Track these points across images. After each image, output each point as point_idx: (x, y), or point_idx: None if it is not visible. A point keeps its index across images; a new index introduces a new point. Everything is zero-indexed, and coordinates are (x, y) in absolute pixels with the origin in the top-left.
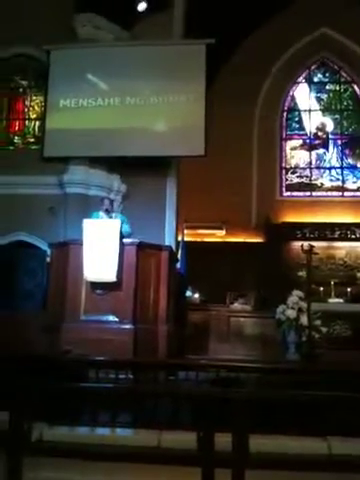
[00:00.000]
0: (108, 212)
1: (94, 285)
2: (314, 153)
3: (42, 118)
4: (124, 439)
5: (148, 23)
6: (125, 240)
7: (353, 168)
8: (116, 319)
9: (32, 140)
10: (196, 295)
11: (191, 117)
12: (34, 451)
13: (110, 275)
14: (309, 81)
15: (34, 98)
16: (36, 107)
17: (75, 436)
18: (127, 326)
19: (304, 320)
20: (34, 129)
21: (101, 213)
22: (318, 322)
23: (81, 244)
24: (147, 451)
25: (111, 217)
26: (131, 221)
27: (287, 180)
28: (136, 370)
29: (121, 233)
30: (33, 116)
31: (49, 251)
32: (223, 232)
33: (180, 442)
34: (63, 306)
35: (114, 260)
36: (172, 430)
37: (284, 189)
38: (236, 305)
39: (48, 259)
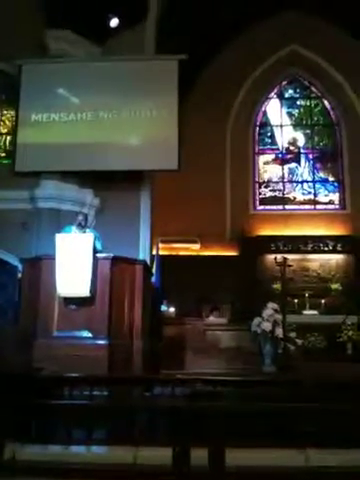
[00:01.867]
0: (81, 227)
1: (67, 300)
2: (286, 167)
3: (13, 132)
4: (99, 456)
5: (120, 39)
6: (99, 254)
7: (324, 182)
8: (90, 335)
9: (3, 154)
10: (171, 309)
11: (164, 131)
12: (7, 470)
13: (83, 290)
14: (280, 96)
15: (5, 112)
16: (7, 121)
17: (49, 454)
18: (101, 342)
19: (279, 332)
20: (5, 143)
21: (74, 227)
22: (293, 334)
23: (53, 259)
24: (123, 468)
25: (85, 232)
26: (105, 235)
27: (260, 194)
28: (111, 386)
29: (94, 247)
30: (4, 130)
31: (21, 266)
32: (198, 246)
33: (156, 458)
34: (35, 322)
35: (87, 274)
36: (148, 446)
37: (257, 203)
38: (212, 318)
39: (20, 274)
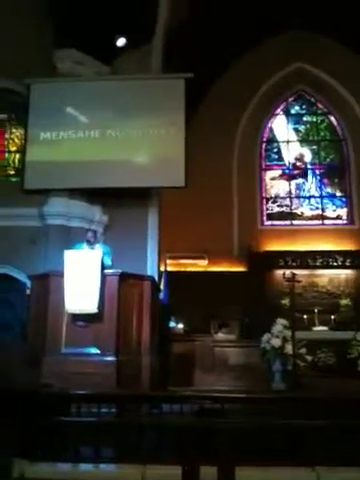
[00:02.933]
0: (90, 243)
1: (75, 317)
2: (293, 183)
3: (22, 151)
4: (107, 475)
5: (127, 58)
6: (107, 271)
7: (332, 197)
8: (98, 351)
9: (12, 172)
10: (180, 325)
11: (171, 149)
12: None
13: (91, 306)
14: (287, 113)
15: (14, 131)
16: (16, 139)
17: (57, 472)
18: (109, 358)
19: (289, 349)
20: (14, 161)
21: (84, 245)
22: (303, 350)
23: (62, 275)
24: None
25: (93, 248)
26: (113, 251)
27: (268, 209)
28: (119, 403)
29: (102, 263)
30: (13, 148)
31: (29, 283)
32: (205, 262)
33: (164, 476)
34: (44, 339)
35: (95, 291)
36: (156, 464)
37: (265, 218)
38: (220, 335)
39: (28, 291)
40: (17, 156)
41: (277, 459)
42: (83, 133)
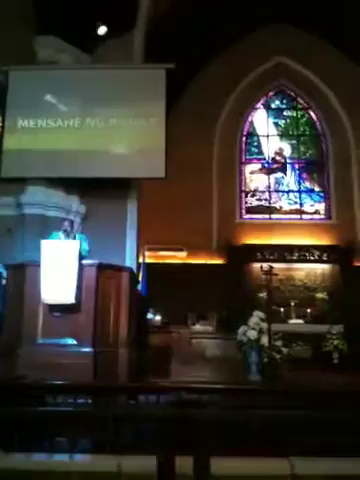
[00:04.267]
0: (67, 233)
1: (52, 307)
2: (272, 177)
3: None
4: (83, 465)
5: (109, 46)
6: (84, 261)
7: (310, 192)
8: (75, 342)
9: None
10: (157, 317)
11: (151, 139)
12: None
13: (68, 297)
14: (267, 107)
15: None
16: None
17: (32, 463)
18: (86, 349)
19: (265, 341)
20: None
21: (60, 234)
22: (279, 343)
23: (39, 265)
24: (107, 476)
25: (70, 238)
26: (91, 242)
27: (247, 203)
28: (95, 394)
29: (80, 254)
30: None
31: (5, 273)
32: (184, 254)
33: (140, 467)
34: (19, 329)
35: (73, 281)
36: (132, 455)
37: (244, 212)
38: (198, 326)
39: (4, 281)
40: None
41: (252, 449)
42: (62, 122)
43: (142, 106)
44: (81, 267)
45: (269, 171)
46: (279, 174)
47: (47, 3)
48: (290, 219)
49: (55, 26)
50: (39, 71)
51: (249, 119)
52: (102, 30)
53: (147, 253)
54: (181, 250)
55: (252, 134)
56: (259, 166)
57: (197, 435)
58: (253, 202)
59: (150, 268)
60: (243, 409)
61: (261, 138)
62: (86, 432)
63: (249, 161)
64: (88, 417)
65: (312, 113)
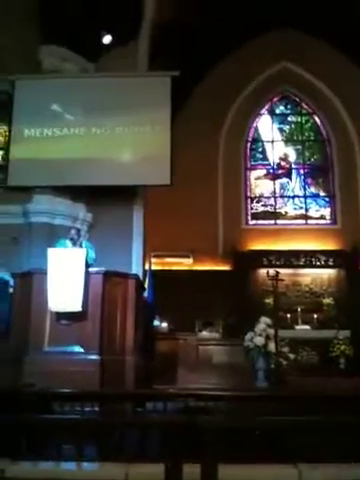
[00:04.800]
0: (74, 241)
1: (59, 315)
2: (278, 182)
3: (6, 147)
4: (90, 473)
5: (114, 55)
6: (91, 269)
7: (315, 197)
8: (82, 350)
9: None
10: (164, 324)
11: (157, 147)
12: None
13: (75, 305)
14: (271, 113)
15: None
16: (0, 136)
17: (39, 471)
18: (93, 357)
19: (272, 347)
20: None
21: (67, 242)
22: (286, 349)
23: (45, 274)
24: None
25: (77, 246)
26: (97, 249)
27: (252, 209)
28: (102, 402)
29: (87, 262)
30: None
31: (12, 281)
32: (190, 261)
33: (148, 474)
34: (26, 337)
35: (79, 289)
36: (140, 462)
37: (249, 217)
38: (204, 333)
39: (11, 289)
40: (1, 153)
41: (260, 456)
42: (68, 130)
43: (147, 114)
44: (88, 275)
45: (274, 177)
46: (284, 179)
47: (52, 13)
48: (296, 224)
49: (60, 35)
50: (45, 80)
51: (254, 125)
52: (107, 39)
53: (153, 260)
54: (187, 257)
55: (257, 140)
56: (264, 172)
57: (204, 442)
58: (259, 208)
59: (156, 275)
60: (250, 416)
61: (266, 144)
62: (93, 440)
63: (254, 167)
64: (95, 425)
65: (317, 118)
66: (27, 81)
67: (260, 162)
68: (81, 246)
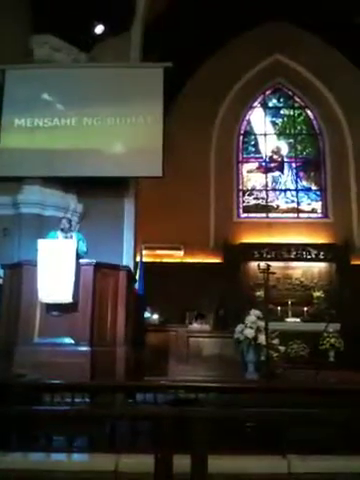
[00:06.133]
0: (65, 232)
1: (49, 307)
2: (270, 176)
3: None
4: (81, 464)
5: (106, 45)
6: (82, 260)
7: (307, 190)
8: (72, 341)
9: None
10: (155, 316)
11: (149, 138)
12: None
13: (66, 296)
14: (264, 106)
15: None
16: None
17: (29, 462)
18: (84, 348)
19: (262, 339)
20: None
21: (58, 233)
22: (276, 341)
23: (35, 265)
24: (104, 476)
25: (68, 237)
26: (88, 241)
27: (244, 202)
28: (93, 393)
29: (77, 253)
30: None
31: (2, 272)
32: (181, 253)
33: (138, 465)
34: (16, 328)
35: (70, 281)
36: (130, 453)
37: (241, 211)
38: (195, 325)
39: (1, 281)
40: None
41: (250, 448)
42: (59, 121)
43: (139, 105)
44: (78, 266)
45: (266, 170)
46: (276, 173)
47: (44, 2)
48: (287, 218)
49: (52, 25)
50: (36, 70)
51: (246, 118)
52: (99, 29)
53: (144, 252)
54: (179, 249)
55: (249, 133)
56: (256, 165)
57: (194, 434)
58: (250, 201)
59: (147, 267)
60: (240, 407)
61: (258, 137)
62: (83, 431)
63: (246, 160)
64: (85, 416)
65: (309, 112)
66: (18, 71)
67: (252, 155)
68: (72, 237)
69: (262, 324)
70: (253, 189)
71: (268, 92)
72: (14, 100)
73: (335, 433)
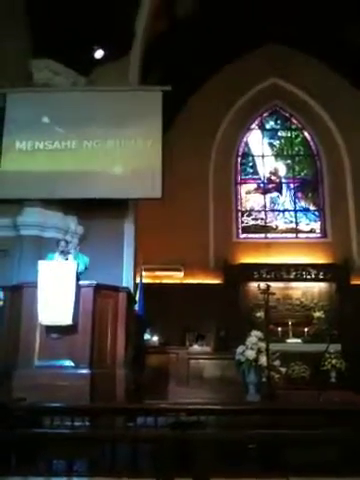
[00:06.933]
0: (64, 254)
1: (49, 329)
2: (268, 196)
3: None
4: None
5: (105, 69)
6: (81, 282)
7: (306, 211)
8: (72, 364)
9: None
10: (155, 338)
11: (148, 161)
12: None
13: (66, 318)
14: (262, 128)
15: None
16: None
17: None
18: (84, 371)
19: (263, 361)
20: None
21: (56, 255)
22: (277, 362)
23: (36, 287)
24: None
25: (67, 259)
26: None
27: (243, 223)
28: (93, 416)
29: (77, 275)
30: None
31: (2, 294)
32: (181, 274)
33: None
34: (16, 351)
35: (70, 303)
36: (131, 477)
37: (240, 231)
38: (195, 347)
39: (1, 303)
40: None
41: (251, 470)
42: (59, 143)
43: (139, 128)
44: (78, 288)
45: (265, 191)
46: (274, 194)
47: (44, 26)
48: (286, 238)
49: (52, 49)
50: (36, 94)
51: (244, 140)
52: (99, 53)
53: (144, 273)
54: (178, 270)
55: (247, 154)
56: (255, 186)
57: (196, 456)
58: (249, 222)
59: (147, 288)
60: (242, 429)
61: (256, 158)
62: (84, 455)
63: (245, 181)
64: (86, 439)
65: (306, 133)
66: (19, 94)
67: (250, 176)
68: (67, 258)
69: (263, 345)
70: (252, 210)
71: (265, 114)
72: (15, 123)
73: (337, 455)
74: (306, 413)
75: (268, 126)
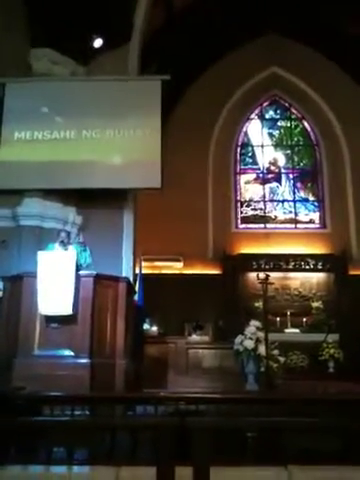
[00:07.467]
0: (64, 244)
1: (49, 319)
2: (267, 187)
3: None
4: (81, 477)
5: (104, 58)
6: (81, 272)
7: (305, 201)
8: (72, 353)
9: None
10: (154, 328)
11: (147, 150)
12: None
13: (65, 308)
14: (261, 117)
15: None
16: None
17: (28, 476)
18: (83, 360)
19: (262, 350)
20: None
21: (56, 245)
22: (276, 352)
23: (35, 277)
24: None
25: (67, 249)
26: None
27: (242, 213)
28: (93, 405)
29: (77, 265)
30: None
31: (1, 284)
32: (180, 264)
33: (139, 478)
34: (16, 341)
35: (70, 293)
36: (131, 466)
37: (239, 221)
38: (194, 337)
39: (0, 293)
40: None
41: (251, 458)
42: (58, 133)
43: (138, 117)
44: (78, 278)
45: (264, 181)
46: (274, 184)
47: (42, 15)
48: (285, 228)
49: (50, 38)
50: (35, 83)
51: (244, 129)
52: (97, 42)
53: (143, 263)
54: (178, 260)
55: (247, 144)
56: (254, 176)
57: (196, 445)
58: (248, 212)
59: (146, 278)
60: (241, 418)
61: (256, 148)
62: (83, 443)
63: (244, 171)
64: (85, 427)
65: (306, 123)
66: (17, 84)
67: (250, 166)
68: (67, 249)
69: (262, 335)
70: (251, 200)
71: (265, 104)
72: (14, 113)
73: (337, 444)
74: (304, 402)
75: (268, 116)
